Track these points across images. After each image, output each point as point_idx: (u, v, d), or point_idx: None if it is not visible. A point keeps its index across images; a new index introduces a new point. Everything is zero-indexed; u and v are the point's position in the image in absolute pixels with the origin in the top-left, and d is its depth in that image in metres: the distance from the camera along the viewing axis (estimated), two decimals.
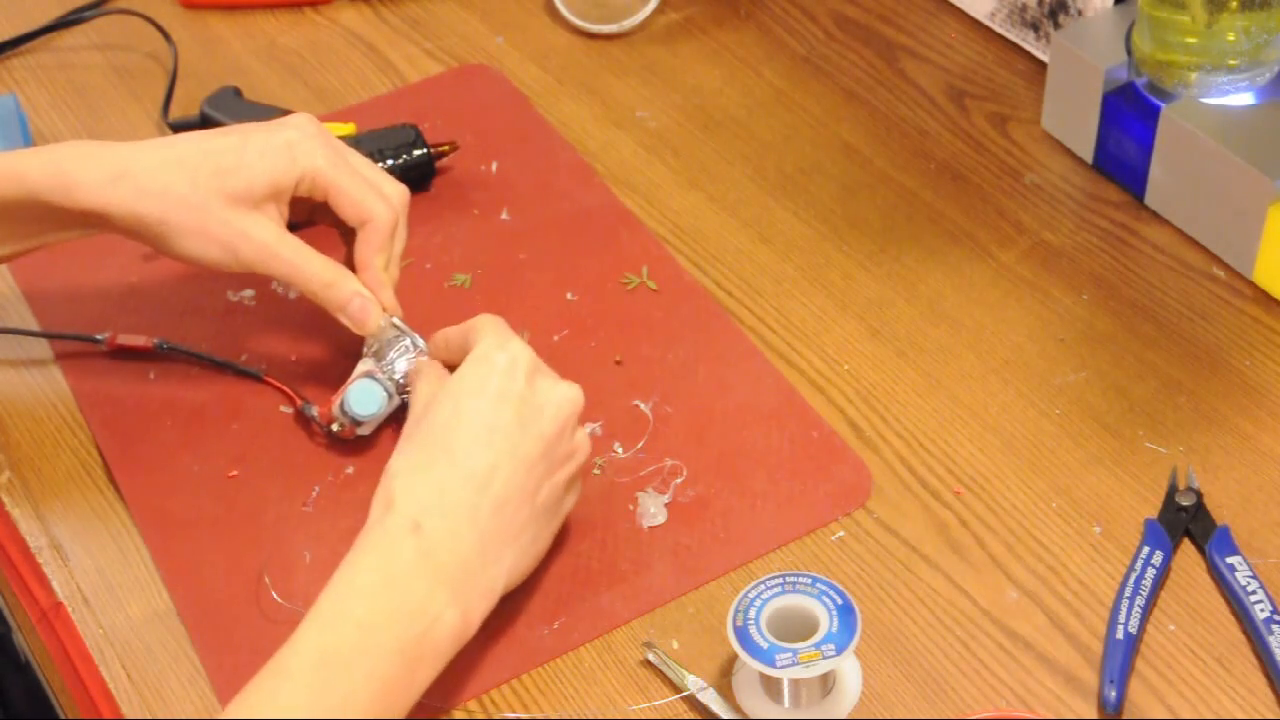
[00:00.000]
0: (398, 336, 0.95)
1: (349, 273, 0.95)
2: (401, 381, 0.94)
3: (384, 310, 0.95)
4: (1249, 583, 0.85)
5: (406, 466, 0.82)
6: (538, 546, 0.85)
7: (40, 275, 1.08)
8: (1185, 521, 0.89)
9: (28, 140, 1.17)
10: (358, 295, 0.94)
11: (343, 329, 0.95)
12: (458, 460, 0.82)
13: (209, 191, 0.92)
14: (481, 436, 0.82)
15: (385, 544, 0.79)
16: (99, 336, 1.02)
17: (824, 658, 0.78)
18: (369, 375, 0.94)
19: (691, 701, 0.83)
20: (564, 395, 0.85)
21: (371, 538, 0.80)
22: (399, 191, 0.96)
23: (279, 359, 1.01)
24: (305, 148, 0.93)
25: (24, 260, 0.98)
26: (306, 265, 0.93)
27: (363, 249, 0.95)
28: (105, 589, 0.90)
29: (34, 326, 1.05)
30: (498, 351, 0.85)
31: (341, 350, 0.98)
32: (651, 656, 0.84)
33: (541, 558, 0.86)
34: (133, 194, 0.92)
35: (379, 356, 0.95)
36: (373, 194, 0.94)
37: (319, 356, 1.00)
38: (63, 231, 0.95)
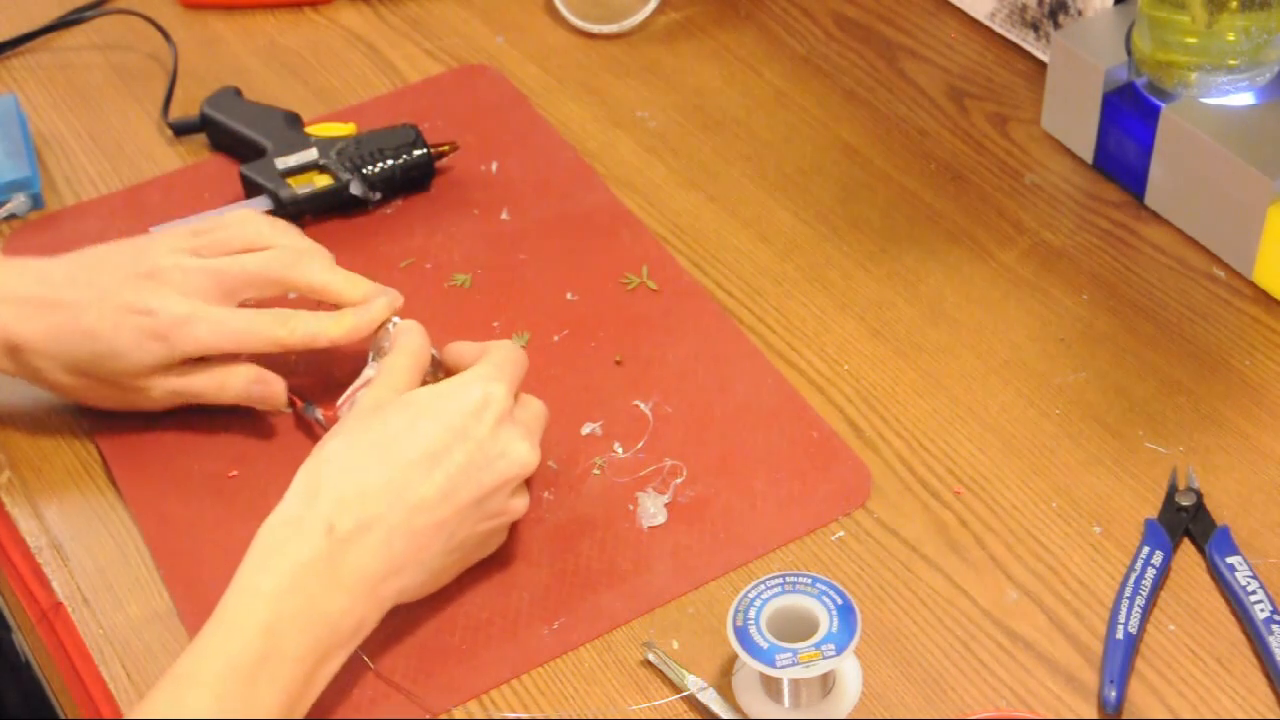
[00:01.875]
0: None
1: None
2: None
3: (390, 307, 0.95)
4: (1249, 583, 0.85)
5: (339, 454, 0.82)
6: (440, 579, 0.85)
7: None
8: (1185, 521, 0.89)
9: (28, 140, 1.17)
10: (254, 383, 0.95)
11: None
12: (393, 476, 0.81)
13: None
14: (424, 463, 0.82)
15: (296, 543, 0.79)
16: None
17: (824, 658, 0.78)
18: None
19: (691, 701, 0.82)
20: (519, 454, 0.84)
21: (284, 533, 0.79)
22: (287, 232, 0.97)
23: (279, 359, 1.01)
24: (181, 334, 0.92)
25: None
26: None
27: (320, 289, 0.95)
28: (105, 589, 0.90)
29: None
30: (476, 386, 0.84)
31: (342, 351, 0.97)
32: (651, 656, 0.84)
33: (441, 586, 0.86)
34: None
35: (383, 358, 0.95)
36: (274, 267, 0.95)
37: (320, 357, 1.00)
38: None
